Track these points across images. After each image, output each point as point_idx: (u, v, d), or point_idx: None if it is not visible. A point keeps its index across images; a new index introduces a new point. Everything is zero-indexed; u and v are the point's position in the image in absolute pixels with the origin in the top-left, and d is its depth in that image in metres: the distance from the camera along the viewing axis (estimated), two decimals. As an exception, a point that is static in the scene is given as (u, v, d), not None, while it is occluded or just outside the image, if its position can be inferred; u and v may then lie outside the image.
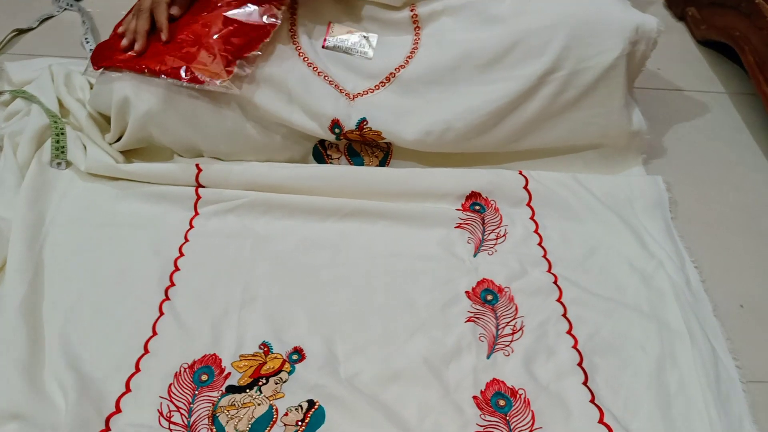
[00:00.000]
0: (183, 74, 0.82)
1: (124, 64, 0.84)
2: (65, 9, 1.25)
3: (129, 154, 0.92)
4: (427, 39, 0.92)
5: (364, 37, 0.92)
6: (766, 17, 1.06)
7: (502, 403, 0.69)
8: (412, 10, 0.93)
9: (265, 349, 0.72)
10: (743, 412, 0.70)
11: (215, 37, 0.85)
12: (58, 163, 0.89)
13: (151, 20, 0.86)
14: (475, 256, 0.84)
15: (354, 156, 0.94)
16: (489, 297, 0.79)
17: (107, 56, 0.85)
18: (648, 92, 1.15)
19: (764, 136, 1.08)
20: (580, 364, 0.72)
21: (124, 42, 0.86)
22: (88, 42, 1.15)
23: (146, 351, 0.71)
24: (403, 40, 0.93)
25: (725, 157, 1.04)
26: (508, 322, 0.76)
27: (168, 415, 0.66)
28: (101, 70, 0.86)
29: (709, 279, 0.84)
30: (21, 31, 1.19)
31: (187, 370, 0.70)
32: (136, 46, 0.85)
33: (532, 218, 0.89)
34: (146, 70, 0.83)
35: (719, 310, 0.81)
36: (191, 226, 0.84)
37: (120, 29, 0.88)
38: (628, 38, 0.89)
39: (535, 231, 0.87)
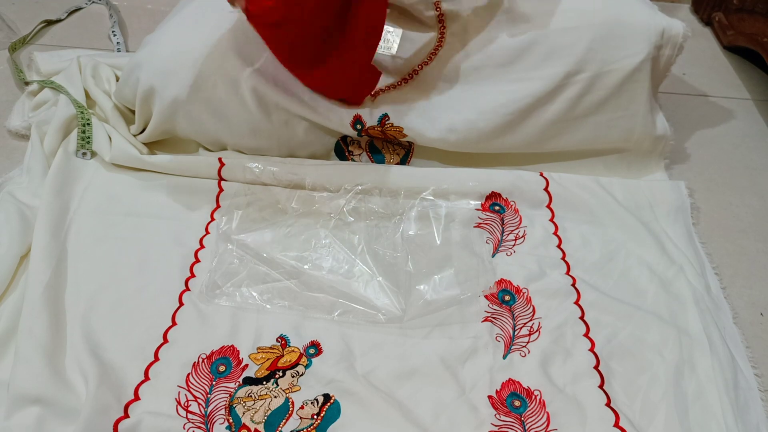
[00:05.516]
0: None
1: None
2: (93, 2, 1.27)
3: (153, 146, 0.93)
4: (451, 37, 0.92)
5: (388, 32, 0.91)
6: (795, 24, 1.05)
7: (517, 403, 0.69)
8: (437, 8, 0.92)
9: (283, 342, 0.73)
10: (761, 421, 0.70)
11: None
12: (84, 153, 0.90)
13: None
14: (493, 256, 0.83)
15: (375, 153, 0.94)
16: (507, 297, 0.79)
17: None
18: (672, 97, 1.14)
19: (790, 144, 1.07)
20: (596, 368, 0.72)
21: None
22: (115, 35, 1.17)
23: (165, 340, 0.72)
24: (428, 36, 0.92)
25: (749, 164, 1.03)
26: (525, 323, 0.76)
27: (185, 404, 0.67)
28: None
29: (730, 286, 0.84)
30: (50, 23, 1.21)
31: (205, 360, 0.70)
32: None
33: (551, 220, 0.88)
34: None
35: (739, 317, 0.80)
36: (212, 219, 0.85)
37: None
38: (653, 42, 0.88)
39: (555, 233, 0.87)
